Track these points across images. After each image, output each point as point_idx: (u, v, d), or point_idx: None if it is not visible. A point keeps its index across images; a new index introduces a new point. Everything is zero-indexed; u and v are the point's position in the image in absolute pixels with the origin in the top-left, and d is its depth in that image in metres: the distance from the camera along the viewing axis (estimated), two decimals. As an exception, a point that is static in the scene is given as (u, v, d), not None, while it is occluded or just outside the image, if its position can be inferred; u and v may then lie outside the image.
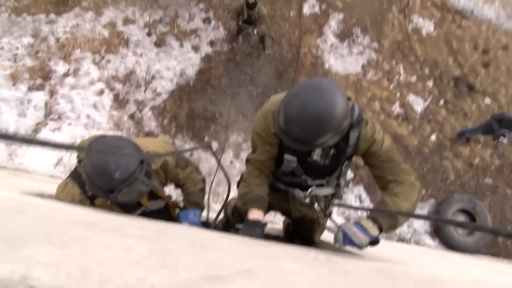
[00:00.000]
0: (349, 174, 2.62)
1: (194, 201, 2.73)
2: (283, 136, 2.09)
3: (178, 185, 2.81)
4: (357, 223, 2.05)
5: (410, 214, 2.15)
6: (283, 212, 2.96)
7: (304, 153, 2.28)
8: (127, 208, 2.44)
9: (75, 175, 2.34)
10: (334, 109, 1.88)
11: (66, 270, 0.82)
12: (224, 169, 2.91)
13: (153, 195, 2.54)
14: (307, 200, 2.43)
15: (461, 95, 7.63)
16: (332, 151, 2.25)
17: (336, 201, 2.69)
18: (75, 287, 0.74)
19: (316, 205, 2.41)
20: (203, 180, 2.86)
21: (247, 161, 2.60)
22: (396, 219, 2.08)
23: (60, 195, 2.36)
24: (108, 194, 2.11)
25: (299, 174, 2.44)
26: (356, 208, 2.27)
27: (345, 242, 2.06)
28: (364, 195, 6.69)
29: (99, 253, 1.03)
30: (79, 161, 2.27)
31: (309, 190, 2.43)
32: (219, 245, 1.63)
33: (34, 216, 1.45)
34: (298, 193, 2.47)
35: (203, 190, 2.81)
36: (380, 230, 2.06)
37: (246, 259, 1.37)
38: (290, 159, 2.33)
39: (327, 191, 2.52)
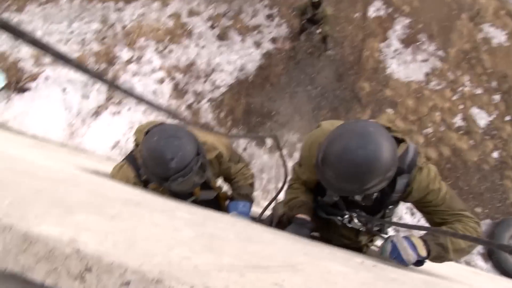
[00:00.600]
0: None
1: (244, 193, 2.74)
2: (320, 176, 1.98)
3: (228, 179, 2.82)
4: (408, 238, 1.95)
5: (465, 237, 2.00)
6: (324, 239, 2.87)
7: None
8: (179, 196, 2.45)
9: (130, 159, 2.38)
10: (377, 161, 1.75)
11: (113, 239, 0.84)
12: (284, 159, 2.91)
13: (205, 185, 2.54)
14: (345, 221, 2.27)
15: (530, 112, 7.21)
16: (375, 195, 2.09)
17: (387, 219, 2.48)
18: (120, 256, 0.74)
19: (358, 225, 2.26)
20: (253, 176, 2.87)
21: (293, 169, 2.54)
22: (447, 251, 1.95)
23: (115, 176, 2.41)
24: (163, 182, 2.13)
25: (341, 209, 2.32)
26: (411, 227, 2.15)
27: (392, 255, 1.98)
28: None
29: (147, 229, 1.05)
30: (136, 144, 2.30)
31: (346, 215, 2.27)
32: (266, 238, 1.62)
33: (88, 189, 1.48)
34: (337, 219, 2.33)
35: (252, 185, 2.84)
36: (428, 254, 1.96)
37: (292, 255, 1.35)
38: (332, 193, 2.20)
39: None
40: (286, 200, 2.46)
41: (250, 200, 2.75)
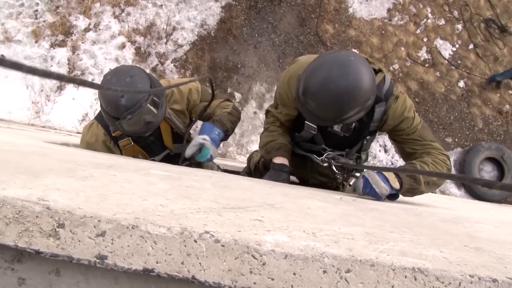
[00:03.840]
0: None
1: (218, 118, 2.49)
2: (300, 108, 2.01)
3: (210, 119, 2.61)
4: (379, 172, 1.98)
5: (433, 173, 2.05)
6: (301, 179, 2.90)
7: None
8: (151, 149, 2.46)
9: (100, 117, 2.39)
10: (358, 90, 1.79)
11: (85, 195, 0.84)
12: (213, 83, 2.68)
13: (178, 137, 2.55)
14: (325, 164, 2.31)
15: (492, 38, 7.29)
16: (354, 124, 2.14)
17: (358, 163, 2.53)
18: (93, 209, 0.75)
19: (335, 170, 2.28)
20: (234, 108, 2.66)
21: (267, 112, 2.54)
22: (419, 183, 2.00)
23: (85, 136, 2.43)
24: (115, 122, 2.12)
25: (319, 143, 2.35)
26: (381, 169, 2.20)
27: (365, 190, 2.00)
28: (389, 144, 6.63)
29: (120, 185, 1.04)
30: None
31: (325, 154, 2.31)
32: (243, 185, 1.65)
33: (57, 158, 1.46)
34: (315, 157, 2.36)
35: (230, 113, 2.58)
36: (400, 187, 1.99)
37: (270, 196, 1.37)
38: (310, 126, 2.24)
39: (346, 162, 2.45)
40: (262, 144, 2.44)
41: (223, 126, 2.48)
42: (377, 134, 2.41)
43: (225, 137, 2.53)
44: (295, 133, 2.43)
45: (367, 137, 2.31)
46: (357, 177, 2.16)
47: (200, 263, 0.71)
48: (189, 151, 2.30)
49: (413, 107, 2.15)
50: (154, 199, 0.91)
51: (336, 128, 2.16)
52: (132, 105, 2.04)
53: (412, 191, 2.03)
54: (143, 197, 0.92)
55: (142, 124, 2.14)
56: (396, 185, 1.95)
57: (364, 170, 2.09)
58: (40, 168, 1.09)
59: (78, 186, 0.91)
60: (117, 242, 0.71)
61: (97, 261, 0.71)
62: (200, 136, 2.34)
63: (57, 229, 0.71)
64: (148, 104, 2.09)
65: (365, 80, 1.80)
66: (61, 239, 0.71)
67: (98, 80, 6.06)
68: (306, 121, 2.24)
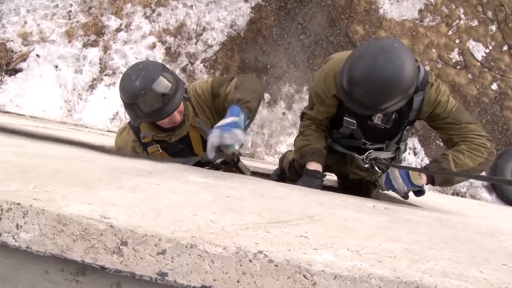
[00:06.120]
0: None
1: (238, 97, 2.06)
2: (345, 98, 2.02)
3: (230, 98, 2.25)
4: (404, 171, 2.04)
5: (462, 174, 2.06)
6: (340, 175, 2.91)
7: (365, 116, 2.20)
8: (180, 157, 2.43)
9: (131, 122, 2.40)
10: (403, 75, 1.80)
11: (140, 211, 0.89)
12: None
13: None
14: (367, 165, 2.35)
15: (528, 39, 7.10)
16: (394, 115, 2.17)
17: (394, 164, 2.57)
18: (151, 227, 0.79)
19: (377, 169, 2.33)
20: (242, 76, 2.34)
21: (303, 115, 2.54)
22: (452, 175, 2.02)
23: (117, 140, 2.48)
24: (133, 109, 2.10)
25: (358, 138, 2.36)
26: (413, 169, 2.21)
27: (386, 186, 2.09)
28: (418, 147, 6.54)
29: (167, 197, 1.09)
30: None
31: (366, 154, 2.35)
32: (278, 193, 1.68)
33: (100, 165, 1.53)
34: (357, 156, 2.39)
35: (237, 86, 2.22)
36: (433, 183, 2.04)
37: (307, 207, 1.40)
38: (349, 121, 2.27)
39: (385, 155, 2.45)
40: (297, 147, 2.46)
41: (247, 107, 2.02)
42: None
43: (248, 111, 2.06)
44: (334, 130, 2.43)
45: (407, 128, 2.32)
46: (390, 165, 2.22)
47: (254, 282, 0.74)
48: (210, 155, 1.92)
49: (447, 91, 2.15)
50: (203, 214, 0.96)
51: (377, 120, 2.19)
52: (146, 84, 2.05)
53: (448, 183, 2.09)
54: (192, 211, 0.97)
55: (158, 99, 2.07)
56: (419, 182, 1.99)
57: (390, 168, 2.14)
58: (89, 177, 1.17)
59: (131, 200, 0.97)
60: (176, 260, 0.75)
61: (158, 277, 0.75)
62: (211, 135, 1.90)
63: (121, 247, 0.75)
64: (161, 77, 2.10)
65: (409, 66, 1.83)
66: (124, 256, 0.75)
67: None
68: (345, 117, 2.27)
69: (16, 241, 0.76)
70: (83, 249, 0.75)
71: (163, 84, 2.10)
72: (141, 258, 0.75)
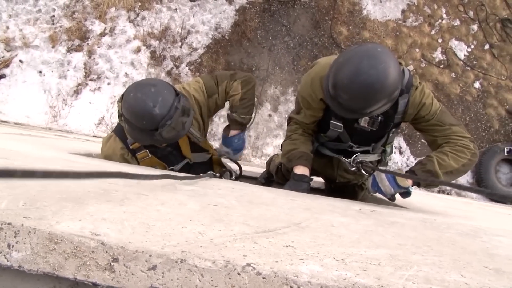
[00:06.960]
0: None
1: (233, 119, 2.59)
2: (331, 103, 2.06)
3: (231, 106, 2.64)
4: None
5: (447, 183, 2.13)
6: (327, 178, 2.94)
7: (351, 119, 2.23)
8: (169, 160, 2.46)
9: (117, 130, 2.40)
10: (387, 79, 1.84)
11: (130, 226, 0.90)
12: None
13: (197, 147, 2.54)
14: (353, 168, 2.39)
15: (509, 38, 7.21)
16: (380, 118, 2.21)
17: (381, 168, 2.62)
18: (142, 242, 0.80)
19: (364, 172, 2.37)
20: (243, 83, 2.58)
21: (290, 119, 2.57)
22: (437, 176, 2.05)
23: (103, 148, 2.45)
24: (153, 134, 2.09)
25: (345, 141, 2.40)
26: (400, 175, 2.26)
27: (373, 188, 2.14)
28: (404, 146, 6.60)
29: (156, 209, 1.11)
30: (120, 115, 2.27)
31: (353, 157, 2.38)
32: (265, 198, 1.70)
33: None
34: (344, 160, 2.43)
35: (243, 99, 2.57)
36: (418, 185, 2.12)
37: (294, 213, 1.43)
38: (336, 125, 2.30)
39: (372, 157, 2.49)
40: (284, 151, 2.48)
41: (241, 126, 2.63)
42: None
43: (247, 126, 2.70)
44: (321, 133, 2.46)
45: (392, 130, 2.36)
46: (378, 170, 2.25)
47: (243, 294, 0.75)
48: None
49: (431, 94, 2.20)
50: (192, 226, 0.98)
51: (363, 123, 2.22)
52: (167, 111, 2.05)
53: (432, 184, 2.21)
54: (181, 223, 0.99)
55: (180, 126, 2.14)
56: (405, 183, 2.03)
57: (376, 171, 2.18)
58: (78, 190, 1.17)
59: (121, 215, 0.98)
60: (167, 275, 0.75)
61: None
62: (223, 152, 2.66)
63: (112, 263, 0.76)
64: (180, 102, 2.12)
65: (392, 70, 1.86)
66: (116, 273, 0.76)
67: (113, 83, 6.12)
68: (332, 121, 2.30)
69: (8, 261, 0.76)
70: (75, 267, 0.76)
71: (183, 109, 2.13)
72: (132, 274, 0.75)
